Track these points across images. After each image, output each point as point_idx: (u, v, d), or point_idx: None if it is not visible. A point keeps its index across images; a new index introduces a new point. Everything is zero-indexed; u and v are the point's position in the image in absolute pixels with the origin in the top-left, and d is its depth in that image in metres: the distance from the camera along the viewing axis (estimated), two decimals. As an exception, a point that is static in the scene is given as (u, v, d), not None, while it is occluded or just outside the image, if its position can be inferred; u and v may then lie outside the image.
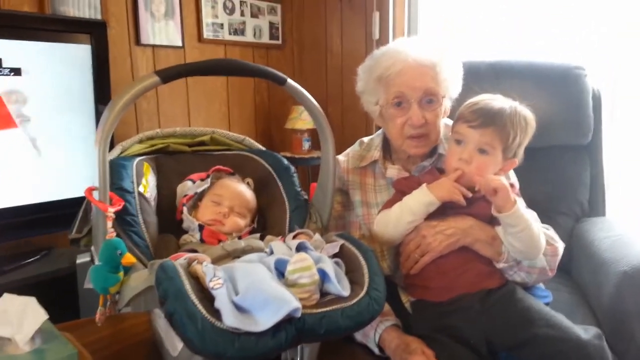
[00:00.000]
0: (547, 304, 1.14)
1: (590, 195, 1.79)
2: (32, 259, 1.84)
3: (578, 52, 2.13)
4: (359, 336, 1.14)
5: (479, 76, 1.76)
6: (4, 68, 1.68)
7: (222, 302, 0.77)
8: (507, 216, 1.04)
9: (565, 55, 2.12)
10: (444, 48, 1.25)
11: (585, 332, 0.99)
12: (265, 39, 3.10)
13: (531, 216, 1.07)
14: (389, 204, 1.18)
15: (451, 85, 1.25)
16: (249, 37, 3.00)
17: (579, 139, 1.76)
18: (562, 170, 1.78)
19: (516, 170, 1.24)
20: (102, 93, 1.90)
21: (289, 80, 1.04)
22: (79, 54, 1.87)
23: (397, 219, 1.13)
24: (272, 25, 3.12)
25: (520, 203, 1.07)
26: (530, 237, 1.05)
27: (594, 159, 1.81)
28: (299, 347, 0.97)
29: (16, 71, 1.71)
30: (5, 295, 0.95)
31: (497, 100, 1.12)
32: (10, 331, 0.89)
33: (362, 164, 1.34)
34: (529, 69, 1.79)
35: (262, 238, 1.09)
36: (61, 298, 1.41)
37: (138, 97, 0.90)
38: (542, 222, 1.17)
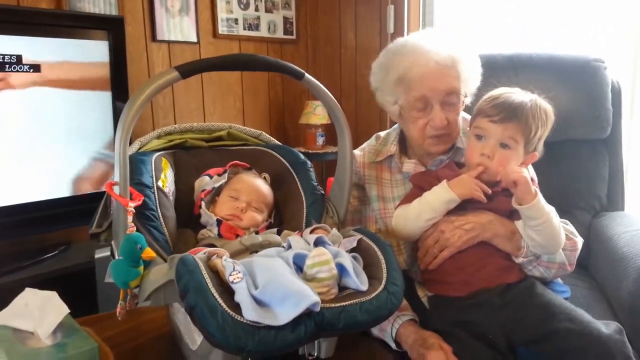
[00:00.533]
0: (565, 299, 1.13)
1: (608, 190, 1.77)
2: (51, 254, 1.87)
3: (597, 45, 2.10)
4: (375, 331, 1.14)
5: (496, 69, 1.74)
6: (24, 64, 1.70)
7: (241, 295, 0.77)
8: (527, 208, 1.03)
9: (585, 48, 2.09)
10: (463, 44, 1.23)
11: (606, 326, 0.98)
12: (280, 33, 3.10)
13: (551, 209, 1.06)
14: (407, 199, 1.18)
15: (471, 82, 1.24)
16: (263, 32, 3.00)
17: (597, 132, 1.74)
18: (580, 165, 1.76)
19: (534, 165, 1.23)
20: (120, 89, 1.92)
21: (307, 75, 1.04)
22: (97, 50, 1.88)
23: (416, 215, 1.13)
24: (286, 20, 3.12)
25: (545, 202, 1.06)
26: (550, 230, 1.04)
27: (612, 153, 1.78)
28: (316, 341, 0.97)
29: (35, 67, 1.73)
30: (27, 290, 0.97)
31: (517, 94, 1.11)
32: (32, 325, 0.90)
33: (379, 159, 1.33)
34: (547, 61, 1.77)
35: (279, 233, 1.09)
36: (80, 292, 1.43)
37: (158, 92, 0.91)
38: (560, 217, 1.16)
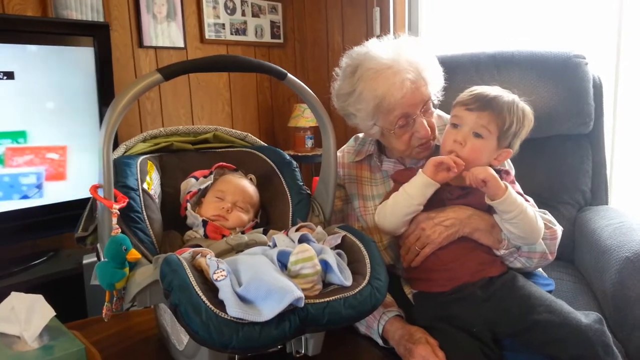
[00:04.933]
0: (549, 292, 1.15)
1: (592, 184, 1.79)
2: (39, 261, 1.86)
3: (578, 41, 2.13)
4: (362, 328, 1.15)
5: (480, 67, 1.78)
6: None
7: (225, 293, 0.78)
8: (499, 203, 1.05)
9: (566, 44, 2.12)
10: (417, 49, 1.22)
11: (586, 317, 0.99)
12: (267, 38, 3.11)
13: (524, 201, 1.08)
14: (389, 196, 1.19)
15: (437, 83, 1.25)
16: (250, 36, 3.01)
17: (580, 127, 1.76)
18: (563, 160, 1.78)
19: (517, 161, 1.25)
20: (106, 95, 1.92)
21: (289, 75, 1.05)
22: (83, 57, 1.88)
23: (395, 206, 1.14)
24: (273, 24, 3.13)
25: (513, 190, 1.07)
26: (526, 221, 1.06)
27: (596, 147, 1.80)
28: (303, 338, 0.98)
29: (9, 75, 1.72)
30: (13, 294, 0.97)
31: (496, 89, 1.14)
32: (18, 329, 0.91)
33: (358, 158, 1.35)
34: (529, 58, 1.79)
35: (265, 232, 1.10)
36: (69, 299, 1.43)
37: (141, 94, 0.92)
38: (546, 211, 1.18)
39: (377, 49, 1.22)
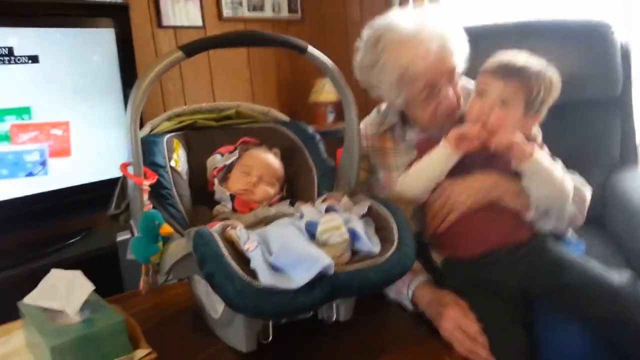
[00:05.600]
0: (581, 254, 1.14)
1: (621, 149, 1.77)
2: (73, 240, 1.91)
3: (606, 8, 2.06)
4: (392, 294, 1.16)
5: (503, 38, 1.75)
6: (22, 56, 1.72)
7: (257, 262, 0.80)
8: (526, 168, 1.05)
9: (592, 11, 2.06)
10: (442, 18, 1.21)
11: (619, 275, 0.98)
12: (285, 13, 3.09)
13: (551, 163, 1.07)
14: (411, 165, 1.19)
15: (463, 52, 1.23)
16: (268, 12, 3.00)
17: (607, 92, 1.73)
18: (592, 125, 1.76)
19: (545, 127, 1.23)
20: (129, 76, 1.94)
21: (310, 48, 1.05)
22: (104, 38, 1.90)
23: (417, 174, 1.14)
24: (290, -1, 3.11)
25: (542, 152, 1.06)
26: (553, 184, 1.05)
27: (624, 113, 1.78)
28: (334, 305, 1.00)
29: (34, 59, 1.75)
30: (53, 271, 1.00)
31: (524, 56, 1.11)
32: (61, 304, 0.94)
33: (381, 129, 1.35)
34: (554, 28, 1.76)
35: (292, 205, 1.12)
36: (104, 275, 1.46)
37: (164, 72, 0.93)
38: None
39: (400, 19, 1.21)
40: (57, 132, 1.81)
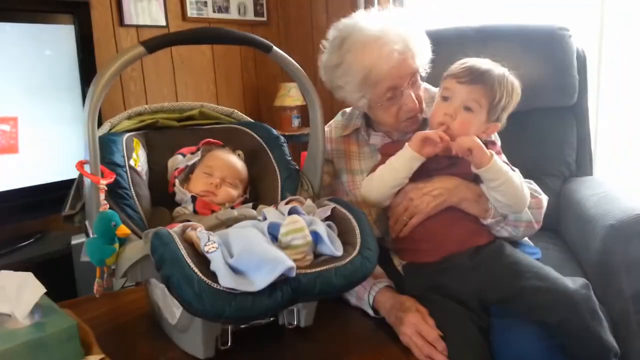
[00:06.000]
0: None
1: (577, 156, 1.81)
2: (26, 242, 1.85)
3: (562, 14, 2.13)
4: (353, 300, 1.16)
5: (466, 41, 1.78)
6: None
7: (217, 264, 0.78)
8: (485, 171, 1.06)
9: (550, 17, 2.12)
10: (405, 19, 1.22)
11: (573, 282, 1.01)
12: (250, 15, 3.07)
13: (509, 169, 1.09)
14: (375, 168, 1.19)
15: (424, 54, 1.24)
16: (233, 14, 2.98)
17: (564, 100, 1.78)
18: (548, 132, 1.79)
19: (502, 134, 1.25)
20: (88, 74, 1.89)
21: (275, 48, 1.04)
22: (63, 35, 1.85)
23: (382, 177, 1.15)
24: (256, 1, 3.09)
25: (500, 159, 1.08)
26: (512, 189, 1.07)
27: (580, 119, 1.82)
28: (295, 309, 0.99)
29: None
30: (2, 272, 0.96)
31: (487, 62, 1.14)
32: (9, 307, 0.90)
33: (345, 133, 1.35)
34: (514, 32, 1.80)
35: (254, 208, 1.10)
36: (58, 280, 1.42)
37: (124, 68, 0.90)
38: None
39: (365, 20, 1.21)
40: (5, 127, 1.75)
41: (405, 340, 1.02)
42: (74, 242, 1.77)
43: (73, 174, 0.95)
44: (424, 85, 1.31)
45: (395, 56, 1.15)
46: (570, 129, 1.80)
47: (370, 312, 1.13)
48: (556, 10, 2.18)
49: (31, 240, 1.87)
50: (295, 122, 3.00)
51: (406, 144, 1.13)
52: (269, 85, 3.19)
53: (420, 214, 1.12)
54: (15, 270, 0.97)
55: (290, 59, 1.08)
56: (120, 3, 2.42)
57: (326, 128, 1.38)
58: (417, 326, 1.01)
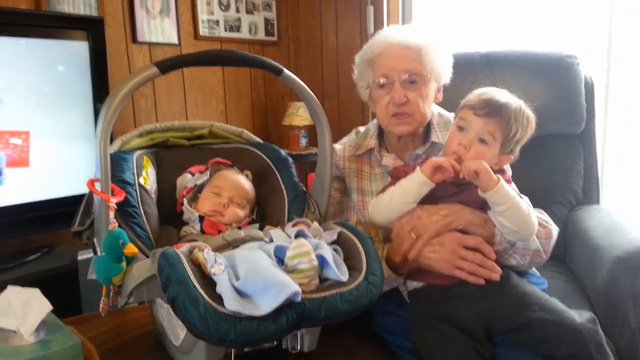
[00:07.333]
0: (542, 291, 1.15)
1: (584, 184, 1.81)
2: (33, 256, 1.85)
3: (570, 42, 2.15)
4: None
5: (473, 67, 1.79)
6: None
7: (223, 287, 0.78)
8: (492, 195, 1.06)
9: (559, 44, 2.14)
10: (430, 33, 1.30)
11: (580, 316, 1.00)
12: (261, 35, 3.11)
13: (517, 195, 1.09)
14: (385, 190, 1.19)
15: (438, 68, 1.28)
16: (244, 33, 3.02)
17: (572, 127, 1.78)
18: (555, 160, 1.79)
19: (511, 163, 1.26)
20: (101, 90, 1.92)
21: (285, 71, 1.06)
22: (77, 51, 1.88)
23: (390, 199, 1.15)
24: (267, 21, 3.13)
25: (510, 187, 1.08)
26: (519, 214, 1.07)
27: (587, 147, 1.82)
28: (299, 334, 0.98)
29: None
30: (9, 288, 0.96)
31: (504, 94, 1.14)
32: (15, 323, 0.90)
33: (358, 152, 1.37)
34: (522, 58, 1.81)
35: (261, 228, 1.10)
36: (63, 295, 1.42)
37: (137, 88, 0.92)
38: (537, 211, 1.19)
39: (397, 26, 1.35)
40: (16, 141, 1.77)
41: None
42: (80, 257, 1.77)
43: (82, 189, 0.96)
44: (439, 109, 1.34)
45: (395, 46, 1.26)
46: (577, 157, 1.80)
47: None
48: (564, 38, 2.21)
49: (38, 254, 1.88)
50: (303, 142, 3.02)
51: (417, 168, 1.13)
52: (278, 104, 3.21)
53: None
54: (22, 283, 0.97)
55: (300, 81, 1.09)
56: (133, 20, 2.46)
57: (339, 145, 1.40)
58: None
